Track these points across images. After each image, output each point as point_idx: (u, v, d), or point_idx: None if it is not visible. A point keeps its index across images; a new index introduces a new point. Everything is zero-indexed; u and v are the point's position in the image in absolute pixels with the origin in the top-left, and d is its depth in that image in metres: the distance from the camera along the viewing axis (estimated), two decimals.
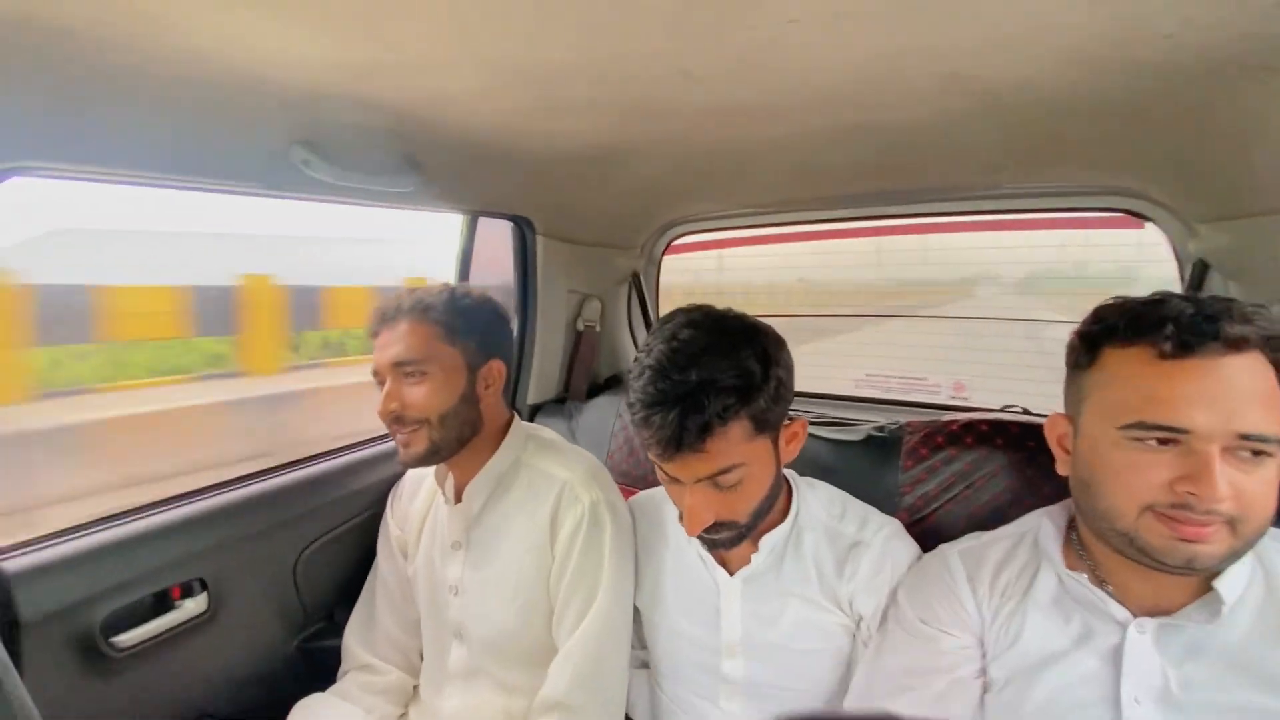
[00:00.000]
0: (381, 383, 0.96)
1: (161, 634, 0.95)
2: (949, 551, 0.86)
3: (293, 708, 1.03)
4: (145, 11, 0.60)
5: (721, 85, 0.88)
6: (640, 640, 1.05)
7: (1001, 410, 1.25)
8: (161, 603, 0.97)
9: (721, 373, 0.77)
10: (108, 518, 0.96)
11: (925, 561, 0.88)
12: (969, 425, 1.09)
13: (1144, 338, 0.66)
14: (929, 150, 1.08)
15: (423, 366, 0.94)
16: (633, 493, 1.24)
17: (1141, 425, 0.64)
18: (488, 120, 1.02)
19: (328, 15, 0.64)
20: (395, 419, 0.95)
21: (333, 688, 1.08)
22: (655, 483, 1.32)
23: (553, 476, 1.01)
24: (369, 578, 1.16)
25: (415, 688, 1.13)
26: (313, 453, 1.27)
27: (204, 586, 1.01)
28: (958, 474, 1.06)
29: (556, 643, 0.98)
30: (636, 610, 1.02)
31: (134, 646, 0.92)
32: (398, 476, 1.22)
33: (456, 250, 1.42)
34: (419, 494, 1.13)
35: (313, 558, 1.17)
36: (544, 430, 1.12)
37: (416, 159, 1.07)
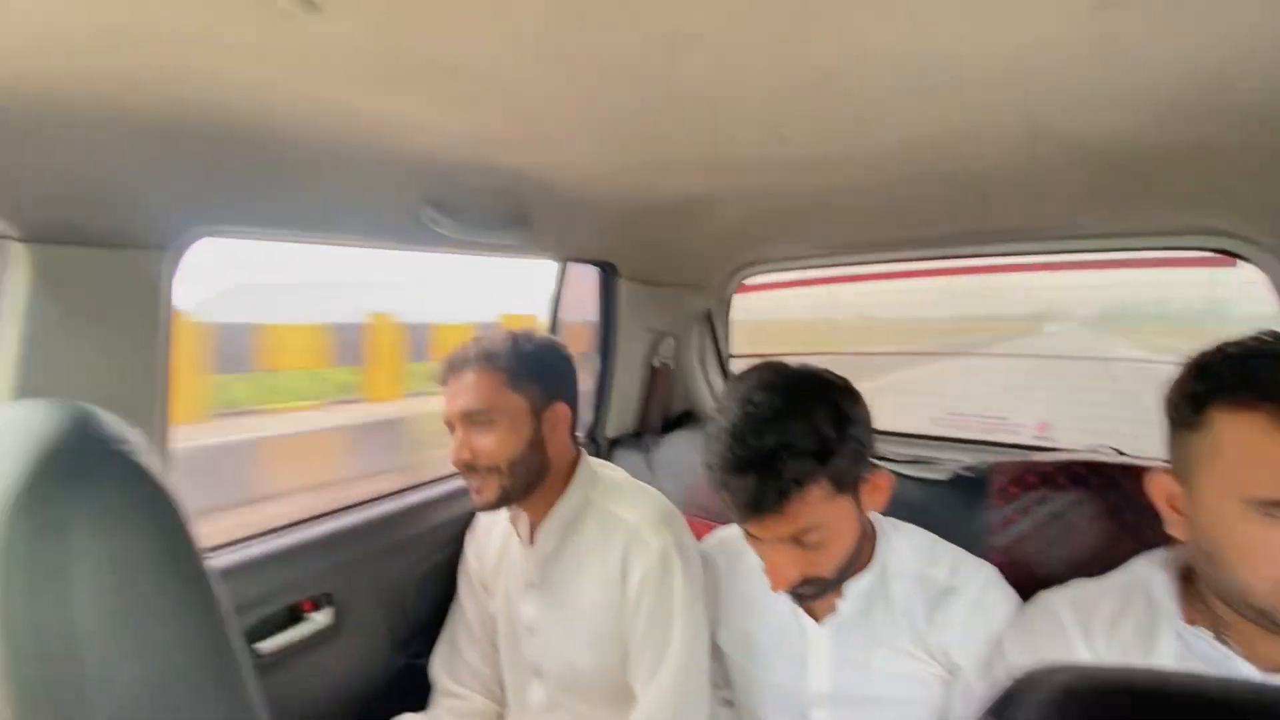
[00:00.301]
0: (452, 430, 1.00)
1: (295, 644, 1.04)
2: (1056, 602, 0.82)
3: None
4: (316, 99, 0.72)
5: (810, 142, 0.94)
6: (724, 679, 1.05)
7: (1092, 451, 1.23)
8: (294, 615, 1.06)
9: (797, 437, 0.78)
10: (253, 535, 1.07)
11: (1030, 613, 0.85)
12: (1063, 465, 1.08)
13: (1264, 402, 0.60)
14: (1014, 193, 1.10)
15: (490, 415, 0.97)
16: (712, 527, 1.28)
17: (1274, 504, 0.60)
18: (589, 177, 1.12)
19: (466, 97, 0.74)
20: (467, 467, 0.99)
21: (425, 713, 1.15)
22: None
23: (622, 520, 1.02)
24: (452, 608, 1.21)
25: (500, 715, 1.17)
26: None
27: (330, 601, 1.10)
28: (1052, 514, 1.06)
29: (633, 688, 0.99)
30: (720, 649, 1.03)
31: (272, 654, 1.01)
32: None
33: (550, 292, 1.52)
34: (494, 530, 1.17)
35: (422, 579, 1.25)
36: (611, 468, 1.15)
37: (523, 214, 1.18)
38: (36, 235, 0.73)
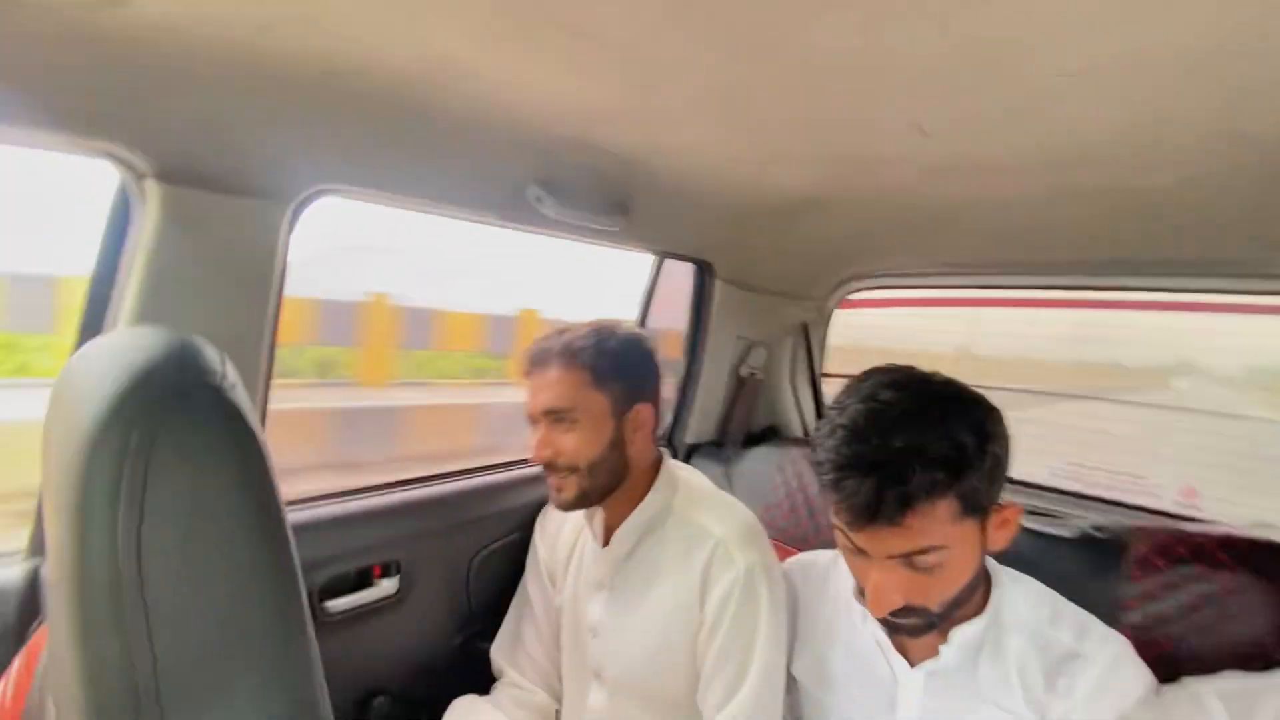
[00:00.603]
0: (534, 424, 0.99)
1: (361, 606, 1.05)
2: (1202, 691, 0.72)
3: (451, 703, 1.09)
4: (439, 55, 0.71)
5: (954, 141, 0.85)
6: (795, 714, 0.97)
7: (1258, 527, 1.04)
8: (363, 579, 1.07)
9: (931, 443, 0.69)
10: (329, 494, 1.09)
11: (1170, 698, 0.74)
12: (1225, 540, 0.91)
13: None
14: (1188, 217, 0.95)
15: (573, 414, 0.95)
16: (790, 553, 1.19)
17: None
18: (695, 167, 1.07)
19: (586, 63, 0.71)
20: (548, 465, 0.97)
21: (488, 696, 1.13)
22: (816, 545, 1.25)
23: (707, 532, 0.97)
24: (516, 596, 1.20)
25: (558, 712, 1.14)
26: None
27: (399, 570, 1.11)
28: (1207, 596, 0.89)
29: (701, 711, 0.94)
30: (794, 679, 0.95)
31: (339, 614, 1.02)
32: None
33: (643, 287, 1.48)
34: (566, 524, 1.14)
35: (483, 561, 1.24)
36: (694, 473, 1.10)
37: (624, 202, 1.15)
38: (167, 175, 0.76)
